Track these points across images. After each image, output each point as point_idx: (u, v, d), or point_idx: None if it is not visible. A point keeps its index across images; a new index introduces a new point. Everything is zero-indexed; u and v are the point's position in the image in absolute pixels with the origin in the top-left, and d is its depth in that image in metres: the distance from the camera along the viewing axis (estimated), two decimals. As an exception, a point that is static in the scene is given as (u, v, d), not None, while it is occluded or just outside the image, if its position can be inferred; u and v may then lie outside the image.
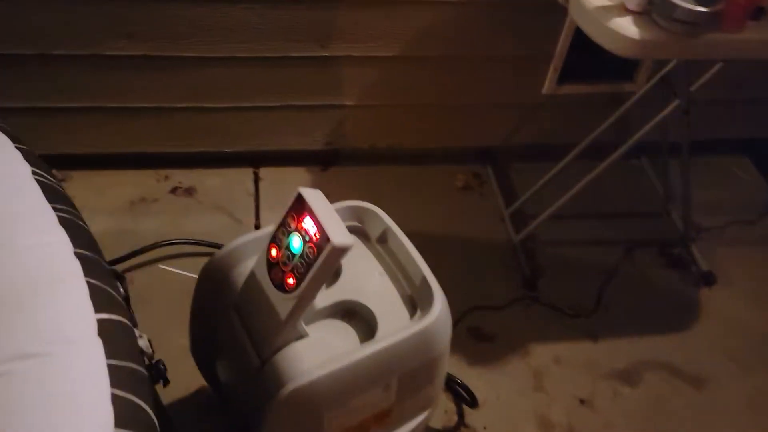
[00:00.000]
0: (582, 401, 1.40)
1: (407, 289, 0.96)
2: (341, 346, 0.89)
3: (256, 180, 1.68)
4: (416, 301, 0.94)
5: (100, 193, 1.60)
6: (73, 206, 0.87)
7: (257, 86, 1.52)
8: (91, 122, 1.54)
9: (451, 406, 1.36)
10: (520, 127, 1.74)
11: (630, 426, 1.37)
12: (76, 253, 0.77)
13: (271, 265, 0.85)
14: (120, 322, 0.76)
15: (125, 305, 0.90)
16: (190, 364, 1.14)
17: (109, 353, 0.70)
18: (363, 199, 1.72)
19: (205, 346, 1.05)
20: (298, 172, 1.71)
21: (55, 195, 0.84)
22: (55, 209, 0.81)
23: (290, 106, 1.57)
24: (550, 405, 1.39)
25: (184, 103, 1.52)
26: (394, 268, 0.98)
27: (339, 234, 0.78)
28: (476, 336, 1.48)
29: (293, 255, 0.81)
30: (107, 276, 0.81)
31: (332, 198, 1.70)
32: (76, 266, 0.75)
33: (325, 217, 0.79)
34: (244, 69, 1.48)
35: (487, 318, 1.50)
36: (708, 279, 1.63)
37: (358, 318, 0.95)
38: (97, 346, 0.69)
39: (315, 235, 0.79)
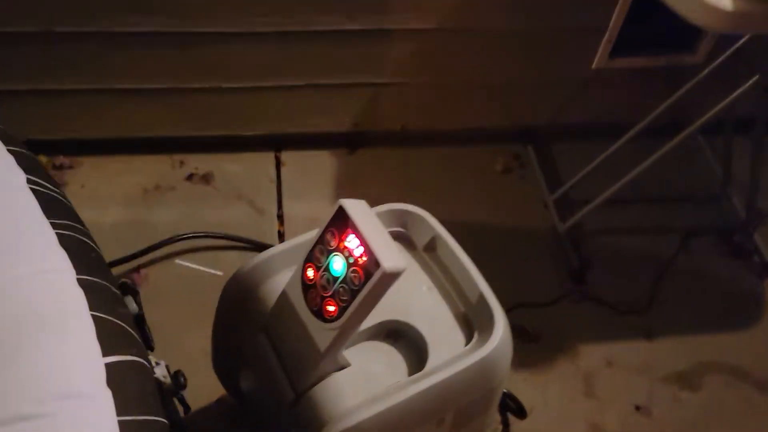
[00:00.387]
0: (638, 408, 1.28)
1: (460, 306, 0.84)
2: (388, 378, 0.78)
3: (278, 165, 1.55)
4: (472, 322, 0.82)
5: (111, 181, 1.48)
6: (75, 217, 0.75)
7: (279, 64, 1.39)
8: (100, 105, 1.42)
9: (496, 415, 1.25)
10: (565, 105, 1.59)
11: (693, 434, 1.26)
12: (79, 281, 0.65)
13: (307, 287, 0.72)
14: (133, 362, 0.65)
15: (138, 332, 0.79)
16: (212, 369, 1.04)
17: (121, 406, 0.58)
18: (393, 184, 1.61)
19: (228, 363, 0.93)
20: (323, 156, 1.58)
21: (54, 207, 0.72)
22: (54, 225, 0.69)
23: (315, 85, 1.43)
24: (603, 412, 1.27)
25: (199, 83, 1.39)
26: (444, 281, 0.86)
27: (390, 257, 0.66)
28: (520, 336, 1.35)
29: (334, 279, 0.69)
30: (116, 303, 0.69)
31: (361, 184, 1.57)
32: (80, 298, 0.64)
33: (373, 235, 0.67)
34: (264, 45, 1.34)
35: (531, 315, 1.38)
36: (772, 270, 1.49)
37: (405, 341, 0.83)
38: (106, 400, 0.58)
39: (361, 257, 0.66)
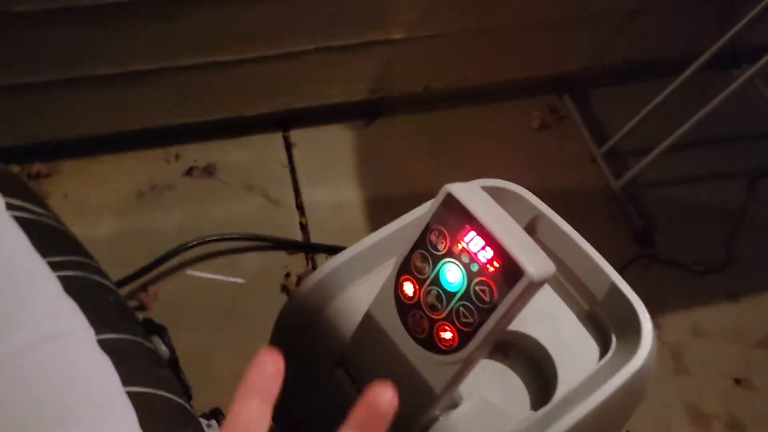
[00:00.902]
0: (737, 381, 1.13)
1: (584, 305, 0.66)
2: (513, 411, 0.60)
3: (288, 146, 1.35)
4: (604, 324, 0.64)
5: (99, 186, 1.27)
6: (79, 249, 0.56)
7: (281, 27, 1.18)
8: (78, 97, 1.19)
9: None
10: (604, 43, 1.40)
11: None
12: (102, 343, 0.46)
13: (407, 307, 0.54)
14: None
15: (177, 379, 0.61)
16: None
17: None
18: (420, 154, 1.41)
19: (292, 408, 0.75)
20: (338, 130, 1.38)
21: (49, 238, 0.53)
22: (54, 266, 0.49)
23: (323, 48, 1.23)
24: (699, 390, 1.11)
25: (191, 59, 1.18)
26: (557, 273, 0.68)
27: (534, 259, 0.47)
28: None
29: (449, 295, 0.51)
30: (154, 365, 0.51)
31: (385, 157, 1.35)
32: (108, 371, 0.44)
33: (505, 231, 0.48)
34: (263, 6, 1.13)
35: (600, 288, 1.21)
36: None
37: (521, 356, 0.65)
38: None
39: (491, 263, 0.48)
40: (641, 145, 1.32)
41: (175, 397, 0.50)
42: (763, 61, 1.15)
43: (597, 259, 0.65)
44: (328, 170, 1.32)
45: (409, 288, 0.53)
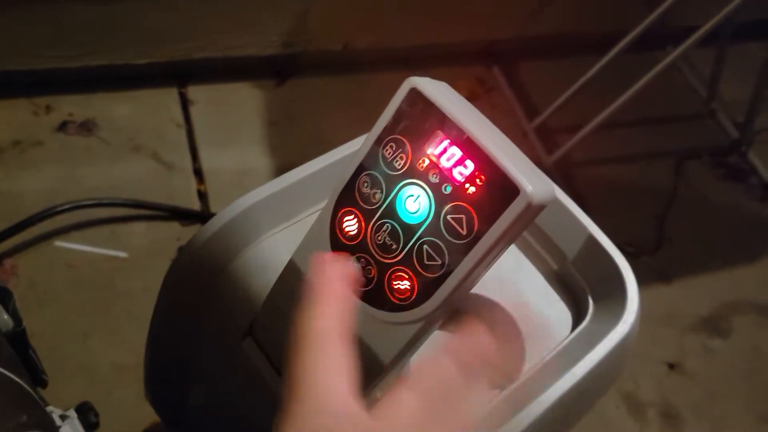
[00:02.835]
0: (671, 366, 1.07)
1: (552, 263, 0.55)
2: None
3: (185, 104, 1.17)
4: (578, 284, 0.53)
5: (-56, 140, 1.04)
6: None
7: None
8: None
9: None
10: (534, 12, 1.32)
11: (734, 389, 1.06)
12: None
13: (347, 250, 0.40)
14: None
15: (22, 357, 0.45)
16: (132, 389, 0.70)
17: None
18: (337, 120, 1.25)
19: (176, 387, 0.58)
20: (244, 89, 1.21)
21: None
22: None
23: (230, -11, 1.07)
24: (635, 378, 1.04)
25: (66, -13, 0.98)
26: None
27: (532, 175, 0.34)
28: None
29: (409, 229, 0.37)
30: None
31: (297, 121, 1.24)
32: None
33: (491, 138, 0.35)
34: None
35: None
36: (772, 191, 1.32)
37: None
38: None
39: (474, 180, 0.35)
40: (571, 121, 1.25)
41: (10, 375, 0.33)
42: (685, 45, 1.12)
43: (568, 205, 0.53)
44: (231, 133, 1.15)
45: (351, 224, 0.39)
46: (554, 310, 0.52)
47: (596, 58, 1.21)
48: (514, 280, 0.53)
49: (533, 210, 0.34)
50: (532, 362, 0.49)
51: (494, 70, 1.36)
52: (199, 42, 1.12)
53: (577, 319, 0.52)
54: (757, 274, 1.20)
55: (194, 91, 1.18)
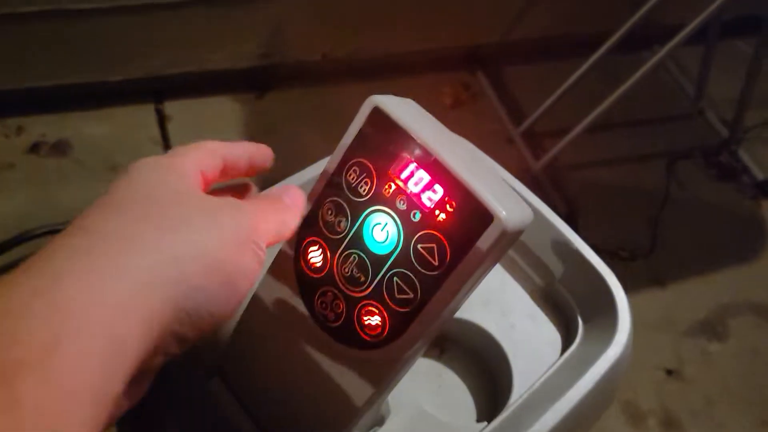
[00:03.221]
0: (669, 372, 1.04)
1: (538, 280, 0.52)
2: (454, 426, 0.44)
3: (162, 120, 1.14)
4: (566, 303, 0.50)
5: None
6: None
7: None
8: None
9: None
10: (518, 16, 1.29)
11: (733, 393, 1.03)
12: None
13: (312, 283, 0.37)
14: None
15: None
16: None
17: None
18: (318, 131, 1.23)
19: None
20: (223, 103, 1.18)
21: None
22: None
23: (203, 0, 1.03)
24: (634, 387, 1.01)
25: (34, 5, 0.94)
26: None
27: (506, 199, 0.32)
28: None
29: (378, 260, 0.34)
30: None
31: (278, 135, 1.22)
32: None
33: (461, 160, 0.32)
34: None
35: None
36: (764, 188, 1.30)
37: (461, 348, 0.50)
38: None
39: (444, 206, 0.32)
40: (558, 125, 1.22)
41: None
42: (672, 43, 1.09)
43: (552, 220, 0.51)
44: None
45: (316, 255, 0.36)
46: (542, 331, 0.50)
47: (582, 60, 1.19)
48: (500, 300, 0.51)
49: (509, 237, 0.31)
50: (520, 388, 0.46)
51: (479, 75, 1.33)
52: (175, 56, 1.09)
53: (567, 341, 0.49)
54: (753, 273, 1.18)
55: (171, 107, 1.15)
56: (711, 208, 1.25)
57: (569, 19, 1.34)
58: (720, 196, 1.28)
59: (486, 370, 0.49)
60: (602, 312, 0.48)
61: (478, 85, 1.33)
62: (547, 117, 1.24)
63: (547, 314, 0.50)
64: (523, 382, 0.46)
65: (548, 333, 0.49)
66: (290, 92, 1.21)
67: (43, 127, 1.07)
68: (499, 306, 0.50)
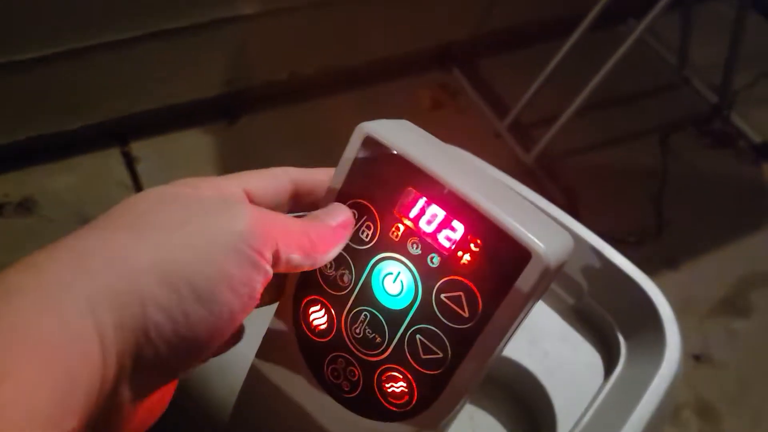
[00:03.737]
0: (697, 357, 0.99)
1: (567, 297, 0.46)
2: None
3: (130, 163, 1.08)
4: (602, 320, 0.45)
5: None
6: None
7: (105, 9, 0.91)
8: None
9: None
10: (487, 7, 1.24)
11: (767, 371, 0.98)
12: None
13: (319, 350, 0.31)
14: None
15: None
16: None
17: None
18: (295, 150, 1.17)
19: None
20: (194, 136, 1.12)
21: None
22: None
23: (162, 32, 0.97)
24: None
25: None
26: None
27: (540, 228, 0.26)
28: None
29: (394, 317, 0.28)
30: None
31: (256, 161, 1.13)
32: None
33: (480, 187, 0.27)
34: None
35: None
36: (764, 151, 1.26)
37: (493, 385, 0.44)
38: None
39: (468, 245, 0.26)
40: (544, 113, 1.18)
41: None
42: (653, 14, 1.05)
43: (575, 228, 0.45)
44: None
45: (319, 316, 0.30)
46: (580, 354, 0.44)
47: (556, 43, 1.14)
48: (527, 325, 0.45)
49: (552, 273, 0.25)
50: (566, 423, 0.41)
51: (455, 73, 1.28)
52: (135, 95, 1.02)
53: (609, 362, 0.43)
54: (766, 240, 1.13)
55: (138, 148, 1.08)
56: (712, 178, 1.21)
57: (538, 4, 1.29)
58: (719, 165, 1.24)
59: (523, 407, 0.44)
60: (644, 324, 0.42)
61: (456, 83, 1.27)
62: (531, 106, 1.19)
63: (582, 334, 0.45)
64: (567, 417, 0.41)
65: (587, 355, 0.44)
66: (263, 115, 1.15)
67: (5, 186, 1.00)
68: (527, 332, 0.44)
